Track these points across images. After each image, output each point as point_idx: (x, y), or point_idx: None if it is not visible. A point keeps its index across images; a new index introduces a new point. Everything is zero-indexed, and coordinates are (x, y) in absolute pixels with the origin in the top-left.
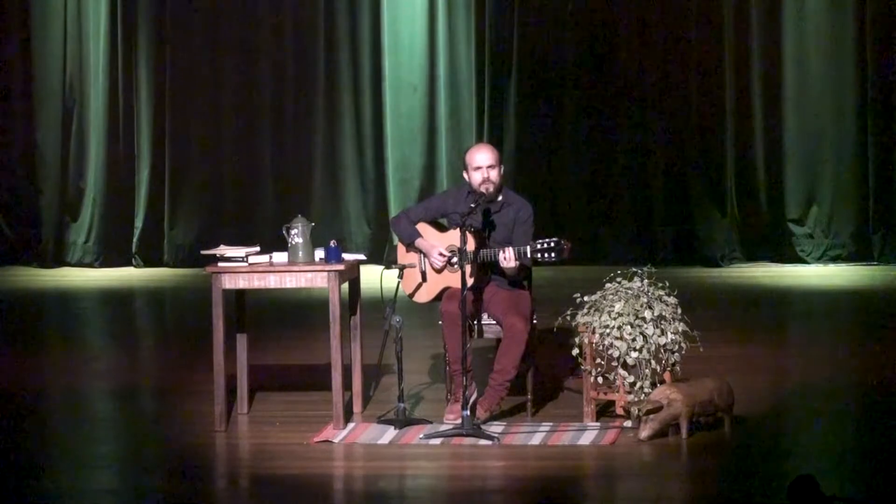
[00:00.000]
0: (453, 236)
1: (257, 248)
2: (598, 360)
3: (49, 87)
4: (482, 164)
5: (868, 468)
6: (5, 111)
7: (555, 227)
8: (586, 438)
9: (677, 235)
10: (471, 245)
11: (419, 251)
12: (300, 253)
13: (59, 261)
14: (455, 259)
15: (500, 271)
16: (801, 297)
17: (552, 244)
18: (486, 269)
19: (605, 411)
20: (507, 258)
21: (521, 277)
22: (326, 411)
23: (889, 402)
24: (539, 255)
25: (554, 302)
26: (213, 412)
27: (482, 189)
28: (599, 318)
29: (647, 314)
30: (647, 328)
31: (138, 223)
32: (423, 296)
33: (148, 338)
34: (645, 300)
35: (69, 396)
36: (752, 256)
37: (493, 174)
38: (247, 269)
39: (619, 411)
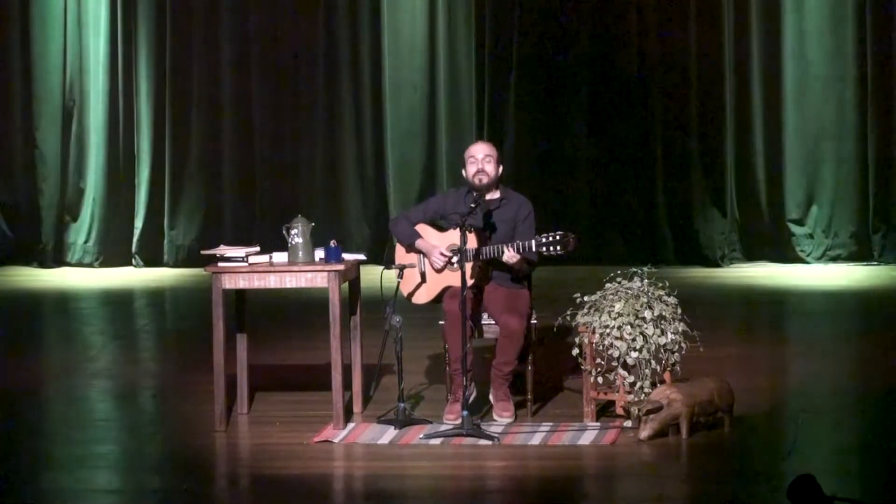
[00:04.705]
0: (453, 236)
1: (257, 248)
2: (598, 360)
3: (49, 87)
4: (477, 155)
5: (868, 468)
6: (5, 111)
7: (554, 226)
8: (586, 438)
9: (677, 235)
10: (471, 244)
11: (419, 252)
12: (300, 253)
13: (59, 261)
14: (456, 259)
15: (504, 268)
16: (801, 297)
17: (557, 237)
18: (487, 268)
19: (605, 411)
20: (511, 255)
21: (527, 272)
22: (326, 411)
23: (889, 402)
24: (545, 249)
25: (554, 302)
26: (213, 412)
27: (475, 180)
28: (599, 318)
29: (647, 314)
30: (647, 328)
31: (138, 223)
32: (423, 297)
33: (148, 338)
34: (645, 300)
35: (69, 396)
36: (752, 256)
37: (488, 166)
38: (247, 269)
39: (619, 411)
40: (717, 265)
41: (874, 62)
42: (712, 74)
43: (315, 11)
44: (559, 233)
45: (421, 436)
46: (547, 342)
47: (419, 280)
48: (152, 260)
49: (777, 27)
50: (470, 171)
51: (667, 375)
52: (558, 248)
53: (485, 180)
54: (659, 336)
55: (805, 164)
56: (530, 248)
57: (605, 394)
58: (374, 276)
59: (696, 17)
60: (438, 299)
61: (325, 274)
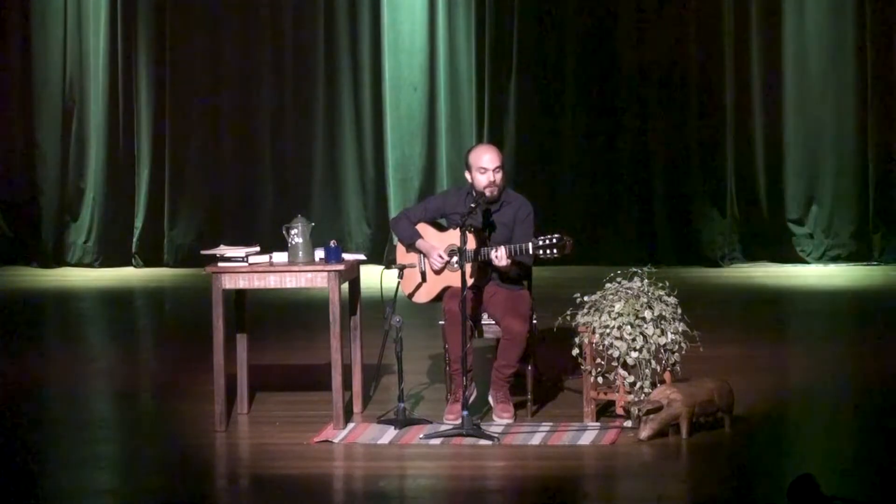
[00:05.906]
0: (453, 236)
1: (257, 248)
2: (598, 360)
3: (49, 87)
4: (488, 166)
5: (868, 468)
6: (5, 111)
7: (554, 227)
8: (586, 438)
9: (677, 235)
10: (471, 245)
11: (419, 252)
12: (300, 253)
13: (59, 261)
14: (455, 260)
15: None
16: (801, 297)
17: (554, 240)
18: (487, 269)
19: (605, 411)
20: (499, 256)
21: (520, 275)
22: (326, 411)
23: (889, 403)
24: (541, 252)
25: (554, 302)
26: (213, 412)
27: (487, 191)
28: (599, 318)
29: (647, 314)
30: (647, 328)
31: (138, 223)
32: (423, 296)
33: (148, 338)
34: (645, 300)
35: (69, 397)
36: (752, 256)
37: (498, 176)
38: (247, 269)
39: (619, 411)
40: (717, 265)
41: (874, 63)
42: (712, 74)
43: (315, 12)
44: (556, 236)
45: (421, 436)
46: (547, 342)
47: (419, 280)
48: (152, 260)
49: (777, 28)
50: (480, 181)
51: (667, 375)
52: (555, 251)
53: (496, 192)
54: (659, 336)
55: (805, 164)
56: (527, 250)
57: (605, 394)
58: (374, 276)
59: (696, 18)
60: (439, 299)
61: (325, 274)
